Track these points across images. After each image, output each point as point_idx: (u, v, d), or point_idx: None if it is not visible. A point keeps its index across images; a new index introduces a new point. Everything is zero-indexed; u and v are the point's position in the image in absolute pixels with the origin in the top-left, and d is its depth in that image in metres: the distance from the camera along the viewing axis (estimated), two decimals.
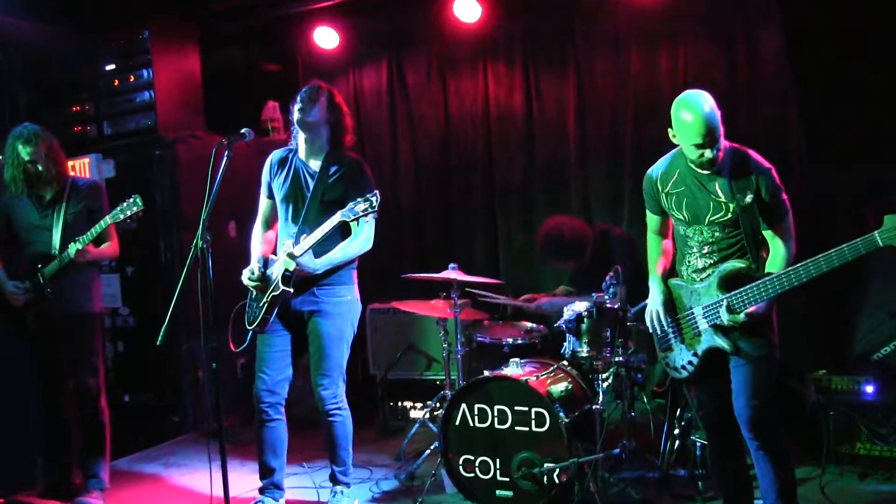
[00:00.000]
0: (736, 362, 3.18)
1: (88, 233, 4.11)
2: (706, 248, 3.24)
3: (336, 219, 3.49)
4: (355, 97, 6.46)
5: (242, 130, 3.51)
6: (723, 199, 3.16)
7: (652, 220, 3.53)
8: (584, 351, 3.99)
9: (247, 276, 3.78)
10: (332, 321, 3.79)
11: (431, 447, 4.57)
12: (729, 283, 3.15)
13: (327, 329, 3.78)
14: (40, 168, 4.16)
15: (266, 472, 3.89)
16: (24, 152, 4.13)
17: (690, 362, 3.29)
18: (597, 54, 5.70)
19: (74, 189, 4.26)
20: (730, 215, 3.16)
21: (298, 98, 3.78)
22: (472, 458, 4.09)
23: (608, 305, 3.93)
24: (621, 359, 3.95)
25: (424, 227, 6.37)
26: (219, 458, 3.35)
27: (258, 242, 4.01)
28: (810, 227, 4.93)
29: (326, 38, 6.21)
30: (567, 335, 4.07)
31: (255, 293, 3.82)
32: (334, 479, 3.98)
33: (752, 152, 3.21)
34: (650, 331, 3.48)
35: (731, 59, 5.31)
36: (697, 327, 3.26)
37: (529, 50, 5.89)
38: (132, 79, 5.74)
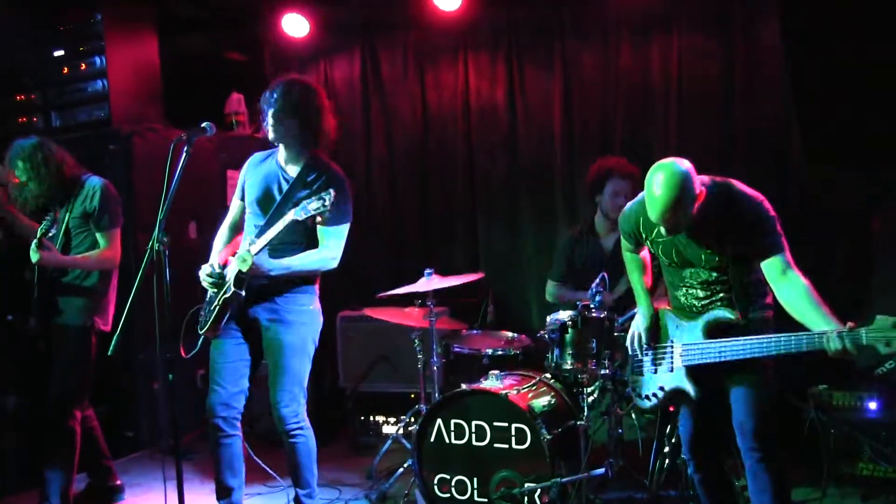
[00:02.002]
0: (732, 380, 3.22)
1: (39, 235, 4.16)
2: (704, 285, 3.27)
3: (288, 217, 3.46)
4: (326, 90, 6.39)
5: (203, 124, 3.49)
6: (714, 247, 3.18)
7: (627, 244, 3.60)
8: (568, 363, 4.00)
9: (205, 273, 3.74)
10: (293, 330, 3.76)
11: (405, 465, 4.57)
12: (713, 331, 3.20)
13: (288, 339, 3.74)
14: (34, 185, 4.25)
15: (223, 493, 3.86)
16: (18, 171, 4.25)
17: (655, 395, 3.38)
18: (585, 45, 5.76)
19: (80, 191, 4.30)
20: (721, 262, 3.19)
21: (267, 110, 3.69)
22: (447, 477, 4.11)
23: (594, 314, 3.96)
24: (608, 372, 3.96)
25: (400, 230, 6.38)
26: (175, 478, 3.33)
27: (221, 243, 3.99)
28: (809, 231, 5.01)
29: (295, 25, 6.20)
30: (550, 346, 4.09)
31: (210, 295, 3.81)
32: None
33: (735, 189, 3.17)
34: (628, 350, 3.57)
35: (729, 52, 5.39)
36: (672, 364, 3.32)
37: (513, 40, 5.93)
38: (83, 66, 5.69)
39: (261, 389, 4.03)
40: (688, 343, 3.26)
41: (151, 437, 5.62)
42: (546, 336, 4.08)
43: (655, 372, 3.39)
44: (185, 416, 5.62)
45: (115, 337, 3.32)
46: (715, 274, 3.21)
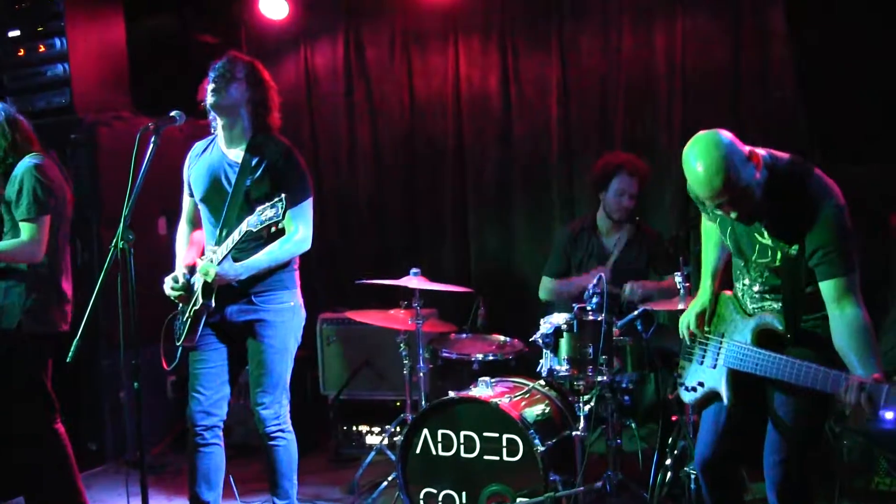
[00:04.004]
0: (772, 405, 3.07)
1: None
2: (758, 284, 3.09)
3: (243, 228, 3.48)
4: (307, 76, 6.47)
5: (172, 113, 3.49)
6: (769, 242, 2.94)
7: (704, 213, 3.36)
8: (563, 369, 4.02)
9: (169, 286, 3.77)
10: (274, 331, 3.79)
11: (389, 478, 4.58)
12: (762, 338, 3.03)
13: (269, 340, 3.78)
14: None
15: None
16: None
17: (695, 388, 3.23)
18: (583, 29, 5.77)
19: (11, 173, 4.19)
20: (777, 263, 2.96)
21: (210, 75, 3.75)
22: (434, 491, 4.11)
23: (591, 318, 3.97)
24: (606, 379, 3.98)
25: (385, 227, 6.40)
26: (140, 493, 3.32)
27: (183, 244, 4.01)
28: None
29: (274, 6, 6.18)
30: (544, 351, 4.10)
31: (180, 305, 3.82)
32: None
33: (816, 176, 2.88)
34: (680, 334, 3.40)
35: (737, 36, 5.41)
36: (717, 360, 3.16)
37: (507, 24, 5.94)
38: (42, 48, 5.62)
39: (237, 395, 4.02)
40: (736, 342, 3.08)
41: (116, 450, 5.60)
42: (540, 340, 4.09)
43: (701, 363, 3.24)
44: (153, 427, 5.62)
45: (74, 342, 3.29)
46: (767, 274, 3.02)
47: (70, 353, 3.30)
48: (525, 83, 5.94)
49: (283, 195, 3.41)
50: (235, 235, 3.54)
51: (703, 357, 3.24)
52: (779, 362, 2.83)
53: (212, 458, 3.87)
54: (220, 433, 3.89)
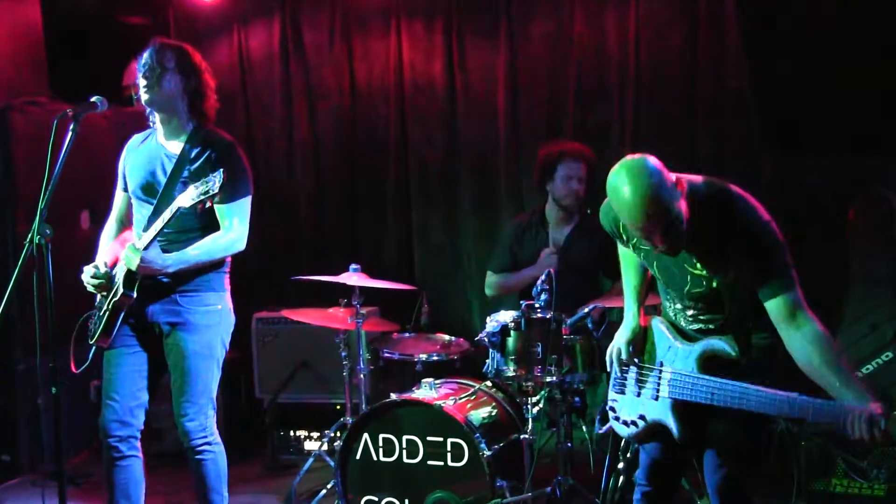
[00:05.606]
0: (714, 424, 3.08)
1: None
2: (691, 310, 3.09)
3: (175, 204, 3.43)
4: (240, 61, 6.39)
5: (93, 99, 3.43)
6: (703, 273, 2.95)
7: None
8: (510, 370, 4.00)
9: (89, 275, 3.68)
10: (198, 335, 3.72)
11: (328, 486, 4.58)
12: (709, 365, 3.01)
13: (192, 345, 3.70)
14: None
15: None
16: None
17: (635, 422, 3.22)
18: (533, 13, 5.78)
19: None
20: (713, 288, 2.95)
21: (139, 70, 3.67)
22: (376, 499, 4.12)
23: (539, 315, 3.99)
24: (555, 379, 3.99)
25: (324, 220, 6.37)
26: None
27: (109, 240, 3.94)
28: (780, 216, 5.11)
29: None
30: (490, 351, 4.10)
31: (98, 299, 3.76)
32: None
33: (736, 195, 2.92)
34: (608, 367, 3.41)
35: (693, 21, 5.46)
36: (658, 391, 3.14)
37: (452, 7, 5.93)
38: None
39: (165, 400, 3.95)
40: (679, 371, 3.06)
41: (32, 461, 5.50)
42: (485, 340, 4.08)
43: (638, 395, 3.22)
44: (73, 435, 5.53)
45: None
46: (701, 303, 3.03)
47: None
48: (471, 70, 5.95)
49: (220, 169, 3.33)
50: (166, 214, 3.46)
51: (641, 389, 3.22)
52: (744, 391, 2.81)
53: (129, 471, 3.79)
54: (138, 443, 3.81)
